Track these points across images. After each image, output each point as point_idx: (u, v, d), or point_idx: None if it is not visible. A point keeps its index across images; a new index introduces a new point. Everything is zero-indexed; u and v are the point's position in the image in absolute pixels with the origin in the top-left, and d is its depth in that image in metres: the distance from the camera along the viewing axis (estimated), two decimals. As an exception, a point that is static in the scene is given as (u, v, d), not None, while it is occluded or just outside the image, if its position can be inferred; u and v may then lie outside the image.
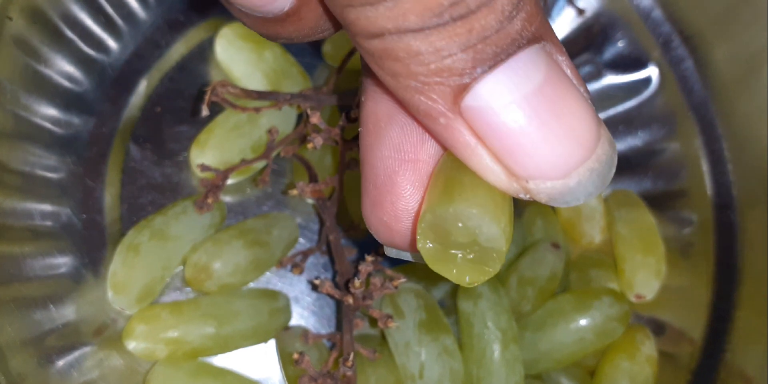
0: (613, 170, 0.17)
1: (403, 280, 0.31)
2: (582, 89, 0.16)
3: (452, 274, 0.18)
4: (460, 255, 0.17)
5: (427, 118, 0.16)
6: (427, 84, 0.16)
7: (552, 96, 0.16)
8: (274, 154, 0.34)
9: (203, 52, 0.37)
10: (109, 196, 0.35)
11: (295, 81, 0.35)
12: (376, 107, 0.19)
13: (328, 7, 0.18)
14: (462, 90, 0.15)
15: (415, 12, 0.15)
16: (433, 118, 0.16)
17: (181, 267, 0.34)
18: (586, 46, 0.38)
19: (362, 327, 0.33)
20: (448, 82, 0.15)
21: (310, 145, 0.31)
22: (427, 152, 0.18)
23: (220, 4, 0.19)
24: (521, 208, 0.36)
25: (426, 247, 0.17)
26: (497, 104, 0.15)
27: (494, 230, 0.17)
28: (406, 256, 0.20)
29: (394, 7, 0.15)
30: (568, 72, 0.16)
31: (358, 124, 0.33)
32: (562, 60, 0.16)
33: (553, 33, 0.16)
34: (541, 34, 0.16)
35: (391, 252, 0.20)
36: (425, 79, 0.16)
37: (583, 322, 0.33)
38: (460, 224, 0.17)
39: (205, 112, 0.30)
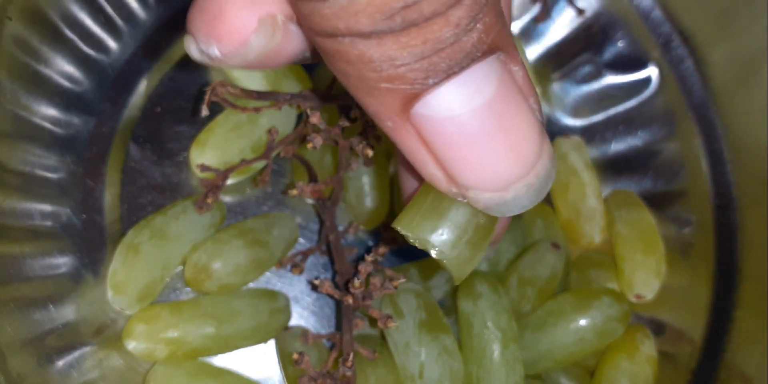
0: (551, 184, 0.17)
1: (403, 280, 0.31)
2: (532, 100, 0.17)
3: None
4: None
5: (376, 118, 0.17)
6: (378, 89, 0.16)
7: (500, 111, 0.16)
8: (274, 154, 0.34)
9: (203, 52, 0.37)
10: (109, 196, 0.35)
11: (295, 81, 0.35)
12: None
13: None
14: (412, 98, 0.15)
15: (366, 13, 0.14)
16: (382, 119, 0.16)
17: (181, 267, 0.34)
18: (586, 46, 0.38)
19: (362, 327, 0.33)
20: (399, 89, 0.15)
21: (310, 145, 0.31)
22: None
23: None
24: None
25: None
26: (446, 115, 0.15)
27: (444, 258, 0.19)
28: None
29: (347, 5, 0.14)
30: (521, 82, 0.16)
31: (358, 124, 0.33)
32: (516, 70, 0.16)
33: (511, 40, 0.16)
34: (497, 43, 0.16)
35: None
36: (376, 84, 0.15)
37: (583, 322, 0.33)
38: (417, 244, 0.19)
39: (204, 112, 0.30)
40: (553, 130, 0.38)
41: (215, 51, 0.18)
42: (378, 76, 0.15)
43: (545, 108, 0.38)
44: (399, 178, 0.22)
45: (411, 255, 0.35)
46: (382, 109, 0.16)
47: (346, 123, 0.32)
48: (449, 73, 0.15)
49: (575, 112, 0.38)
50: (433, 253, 0.19)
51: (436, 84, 0.15)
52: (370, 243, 0.36)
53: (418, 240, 0.19)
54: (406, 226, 0.19)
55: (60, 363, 0.31)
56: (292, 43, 0.18)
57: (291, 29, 0.18)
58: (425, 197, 0.19)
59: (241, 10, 0.17)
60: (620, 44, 0.37)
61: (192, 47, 0.18)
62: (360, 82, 0.16)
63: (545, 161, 0.17)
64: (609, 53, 0.38)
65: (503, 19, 0.16)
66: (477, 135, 0.16)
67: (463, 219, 0.18)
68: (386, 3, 0.14)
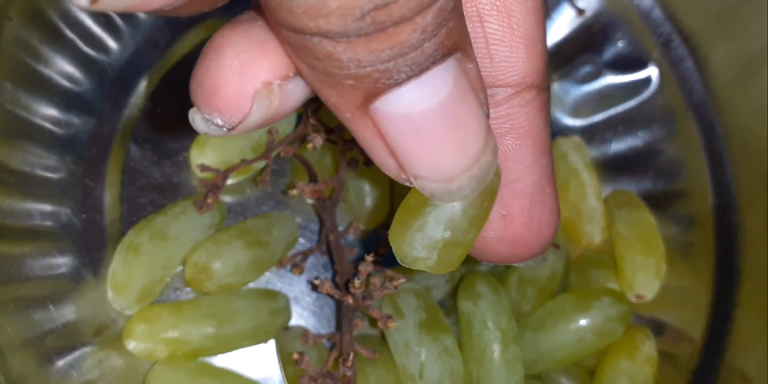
0: (491, 174, 0.18)
1: (402, 280, 0.31)
2: (482, 95, 0.18)
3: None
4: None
5: (334, 109, 0.17)
6: (342, 84, 0.16)
7: (452, 110, 0.17)
8: (274, 154, 0.34)
9: (203, 52, 0.37)
10: (109, 196, 0.35)
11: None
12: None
13: None
14: (373, 95, 0.16)
15: (337, 15, 0.15)
16: (341, 111, 0.17)
17: (181, 267, 0.34)
18: (586, 46, 0.38)
19: (362, 327, 0.33)
20: (361, 85, 0.16)
21: (310, 145, 0.31)
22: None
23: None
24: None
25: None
26: (403, 113, 0.16)
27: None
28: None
29: (317, 6, 0.15)
30: (473, 79, 0.17)
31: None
32: (471, 68, 0.17)
33: (468, 38, 0.17)
34: (456, 44, 0.17)
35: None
36: (342, 80, 0.16)
37: (583, 322, 0.33)
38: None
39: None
40: (553, 130, 0.38)
41: (218, 120, 0.19)
42: (344, 74, 0.16)
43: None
44: None
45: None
46: (342, 102, 0.17)
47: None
48: (410, 75, 0.16)
49: (575, 112, 0.38)
50: (402, 262, 0.20)
51: (398, 84, 0.16)
52: (370, 243, 0.36)
53: (393, 245, 0.20)
54: (391, 230, 0.20)
55: (60, 363, 0.31)
56: (291, 101, 0.19)
57: (287, 89, 0.19)
58: (407, 202, 0.20)
59: (235, 81, 0.18)
60: (620, 44, 0.37)
61: (197, 118, 0.19)
62: (325, 75, 0.16)
63: (488, 154, 0.18)
64: (609, 53, 0.38)
65: (464, 20, 0.17)
66: (429, 132, 0.17)
67: (431, 230, 0.19)
68: (356, 5, 0.15)
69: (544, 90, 0.21)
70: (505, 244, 0.22)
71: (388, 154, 0.17)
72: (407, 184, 0.18)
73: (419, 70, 0.16)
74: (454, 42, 0.16)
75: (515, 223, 0.21)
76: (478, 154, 0.17)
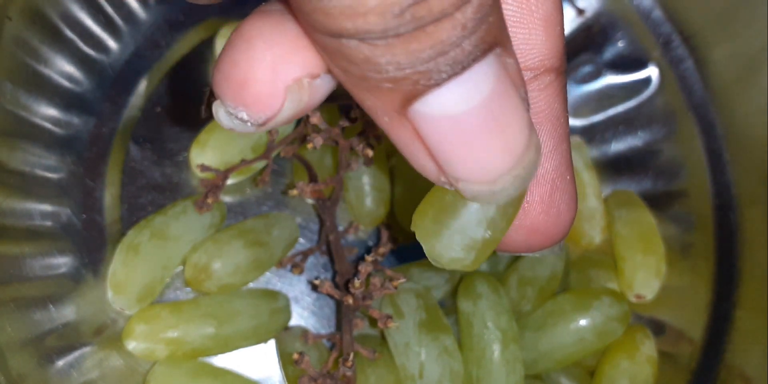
0: (535, 172, 0.18)
1: (402, 280, 0.31)
2: (522, 91, 0.17)
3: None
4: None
5: (372, 113, 0.17)
6: (380, 88, 0.16)
7: (494, 108, 0.16)
8: (274, 154, 0.34)
9: (203, 52, 0.37)
10: (109, 196, 0.35)
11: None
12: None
13: None
14: (412, 96, 0.16)
15: (376, 12, 0.14)
16: (379, 115, 0.17)
17: (181, 267, 0.34)
18: (586, 46, 0.38)
19: (362, 327, 0.33)
20: (400, 88, 0.16)
21: (310, 145, 0.31)
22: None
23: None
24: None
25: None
26: (444, 113, 0.16)
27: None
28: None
29: (354, 4, 0.14)
30: (514, 74, 0.17)
31: (359, 124, 0.33)
32: (510, 63, 0.16)
33: (506, 31, 0.16)
34: (496, 39, 0.16)
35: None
36: (379, 83, 0.16)
37: (583, 322, 0.33)
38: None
39: (204, 112, 0.30)
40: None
41: (244, 116, 0.18)
42: (381, 77, 0.15)
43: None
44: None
45: (411, 255, 0.35)
46: (380, 105, 0.16)
47: (346, 123, 0.32)
48: (451, 74, 0.15)
49: (575, 112, 0.38)
50: (435, 262, 0.19)
51: (438, 84, 0.15)
52: (370, 243, 0.36)
53: (426, 245, 0.19)
54: (418, 228, 0.19)
55: (60, 363, 0.31)
56: (317, 97, 0.18)
57: (315, 85, 0.18)
58: (439, 199, 0.19)
59: (267, 76, 0.17)
60: (620, 44, 0.37)
61: (221, 112, 0.18)
62: (361, 80, 0.16)
63: (532, 152, 0.17)
64: (609, 53, 0.38)
65: (502, 13, 0.16)
66: (471, 132, 0.16)
67: (472, 231, 0.19)
68: (395, 1, 0.14)
69: (562, 74, 0.20)
70: (522, 233, 0.21)
71: (428, 157, 0.17)
72: (447, 186, 0.18)
73: (460, 68, 0.15)
74: (494, 37, 0.16)
75: (534, 211, 0.21)
76: (522, 153, 0.17)
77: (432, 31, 0.15)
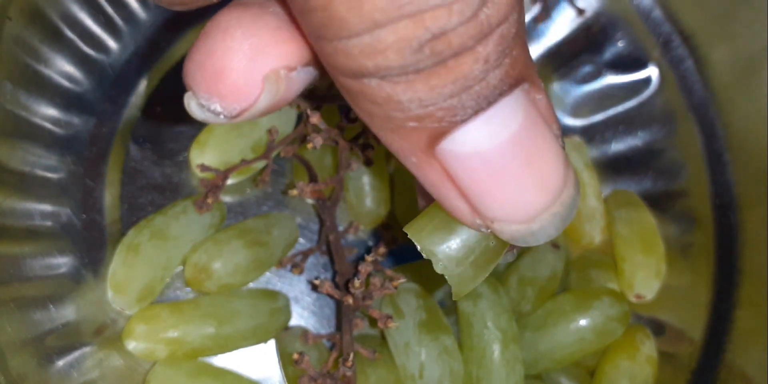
0: (575, 211, 0.17)
1: (402, 280, 0.31)
2: (555, 127, 0.16)
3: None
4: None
5: (399, 154, 0.16)
6: (404, 128, 0.15)
7: (526, 144, 0.15)
8: (274, 154, 0.34)
9: (203, 52, 0.37)
10: (109, 196, 0.35)
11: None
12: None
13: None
14: (439, 135, 0.15)
15: (394, 49, 0.14)
16: (406, 155, 0.16)
17: (181, 267, 0.34)
18: (586, 46, 0.38)
19: (362, 327, 0.33)
20: (425, 126, 0.15)
21: (310, 145, 0.31)
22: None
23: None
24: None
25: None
26: (473, 151, 0.15)
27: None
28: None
29: (373, 43, 0.14)
30: (544, 110, 0.16)
31: (359, 124, 0.33)
32: (540, 99, 0.16)
33: (534, 69, 0.16)
34: (522, 74, 0.15)
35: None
36: (403, 123, 0.15)
37: (583, 322, 0.33)
38: (423, 253, 0.18)
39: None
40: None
41: (217, 107, 0.17)
42: (405, 116, 0.15)
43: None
44: (418, 197, 0.21)
45: (411, 255, 0.35)
46: (406, 146, 0.16)
47: (346, 123, 0.32)
48: (477, 110, 0.15)
49: (575, 112, 0.38)
50: (437, 267, 0.19)
51: (464, 121, 0.15)
52: (370, 243, 0.36)
53: (425, 250, 0.18)
54: (415, 234, 0.19)
55: (60, 363, 0.31)
56: (292, 90, 0.18)
57: (291, 77, 0.17)
58: (441, 208, 0.19)
59: (244, 66, 0.17)
60: (620, 44, 0.37)
61: (192, 104, 0.18)
62: (385, 121, 0.15)
63: (570, 189, 0.16)
64: (609, 53, 0.38)
65: (527, 49, 0.16)
66: (503, 169, 0.15)
67: (473, 239, 0.18)
68: (413, 35, 0.14)
69: None
70: None
71: (460, 197, 0.16)
72: (483, 230, 0.17)
73: (486, 103, 0.15)
74: (519, 72, 0.15)
75: None
76: (558, 190, 0.16)
77: (453, 66, 0.14)
